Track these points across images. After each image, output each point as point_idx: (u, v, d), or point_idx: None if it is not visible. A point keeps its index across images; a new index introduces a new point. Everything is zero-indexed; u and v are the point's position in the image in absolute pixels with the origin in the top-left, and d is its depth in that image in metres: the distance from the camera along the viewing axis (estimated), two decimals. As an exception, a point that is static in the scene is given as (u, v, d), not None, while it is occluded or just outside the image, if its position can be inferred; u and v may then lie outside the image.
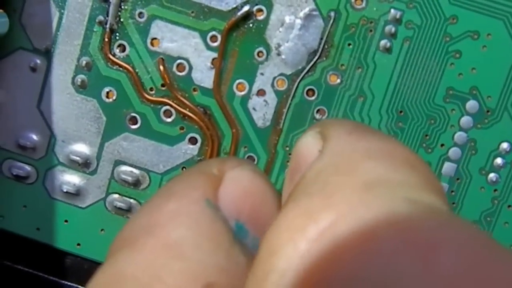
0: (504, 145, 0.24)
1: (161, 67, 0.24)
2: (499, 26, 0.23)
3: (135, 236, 0.18)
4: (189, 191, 0.19)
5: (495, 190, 0.24)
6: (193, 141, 0.25)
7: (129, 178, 0.25)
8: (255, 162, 0.25)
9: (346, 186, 0.14)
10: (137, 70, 0.25)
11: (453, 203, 0.24)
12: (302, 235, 0.14)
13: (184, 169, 0.25)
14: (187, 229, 0.18)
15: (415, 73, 0.24)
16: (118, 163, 0.25)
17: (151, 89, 0.25)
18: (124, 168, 0.25)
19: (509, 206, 0.24)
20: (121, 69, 0.25)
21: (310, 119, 0.24)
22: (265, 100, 0.25)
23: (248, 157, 0.25)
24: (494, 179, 0.24)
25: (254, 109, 0.25)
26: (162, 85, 0.25)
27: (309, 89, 0.24)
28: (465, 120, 0.24)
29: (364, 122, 0.24)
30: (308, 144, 0.17)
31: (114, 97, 0.25)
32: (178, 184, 0.20)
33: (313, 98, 0.24)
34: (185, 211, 0.18)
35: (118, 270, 0.17)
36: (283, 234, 0.14)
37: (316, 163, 0.16)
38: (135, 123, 0.25)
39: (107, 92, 0.25)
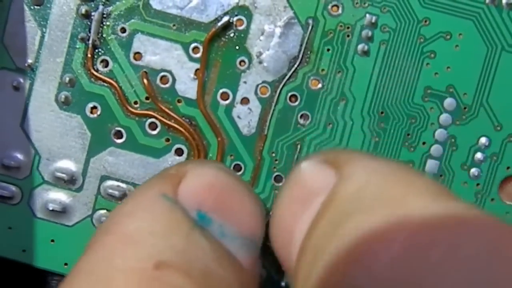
0: (483, 140, 0.24)
1: (145, 80, 0.25)
2: (469, 26, 0.24)
3: (95, 240, 0.19)
4: (145, 191, 0.20)
5: (478, 184, 0.25)
6: (179, 152, 0.25)
7: (116, 193, 0.25)
8: (242, 170, 0.25)
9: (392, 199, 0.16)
10: (120, 85, 0.25)
11: (439, 200, 0.25)
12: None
13: (171, 180, 0.25)
14: (142, 221, 0.19)
15: (394, 75, 0.24)
16: (104, 178, 0.25)
17: (135, 102, 0.25)
18: (111, 183, 0.25)
19: (492, 199, 0.25)
20: (104, 84, 0.25)
21: (294, 124, 0.25)
22: (249, 108, 0.25)
23: (235, 165, 0.25)
24: (476, 174, 0.25)
25: (238, 117, 0.25)
26: (147, 98, 0.25)
27: (292, 95, 0.25)
28: (444, 118, 0.25)
29: (347, 124, 0.25)
30: (316, 170, 0.19)
31: (98, 112, 0.25)
32: (137, 189, 0.21)
33: (296, 103, 0.25)
34: (141, 207, 0.19)
35: (75, 269, 0.18)
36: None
37: (346, 185, 0.18)
38: (120, 137, 0.25)
39: (91, 108, 0.25)
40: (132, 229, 0.19)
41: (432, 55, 0.24)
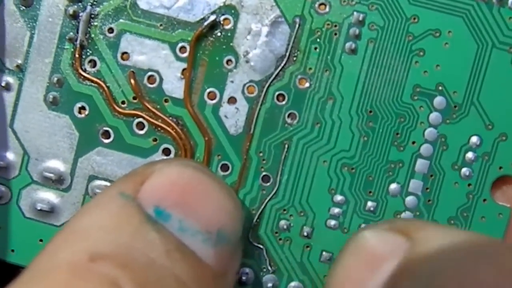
0: (474, 139, 0.24)
1: (132, 80, 0.25)
2: (459, 23, 0.24)
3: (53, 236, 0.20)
4: (107, 190, 0.21)
5: (469, 184, 0.24)
6: (166, 152, 0.25)
7: (104, 193, 0.25)
8: (229, 170, 0.25)
9: None
10: (108, 85, 0.25)
11: (429, 201, 0.24)
12: None
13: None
14: (94, 217, 0.20)
15: (382, 73, 0.24)
16: (92, 178, 0.25)
17: (123, 102, 0.25)
18: (99, 182, 0.25)
19: (484, 200, 0.24)
20: (92, 84, 0.25)
21: (281, 124, 0.25)
22: (236, 108, 0.25)
23: (222, 165, 0.25)
24: (467, 174, 0.24)
25: (226, 116, 0.25)
26: (134, 98, 0.25)
27: (279, 94, 0.25)
28: (434, 116, 0.24)
29: (335, 123, 0.24)
30: (384, 237, 0.21)
31: (86, 113, 0.25)
32: (105, 188, 0.21)
33: (283, 102, 0.25)
34: (97, 204, 0.20)
35: (27, 268, 0.19)
36: None
37: (421, 248, 0.19)
38: (108, 137, 0.25)
39: (79, 108, 0.25)
40: (82, 224, 0.20)
41: (421, 53, 0.24)
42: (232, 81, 0.25)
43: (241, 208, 0.22)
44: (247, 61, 0.25)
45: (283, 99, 0.25)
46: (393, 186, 0.24)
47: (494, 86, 0.24)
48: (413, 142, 0.24)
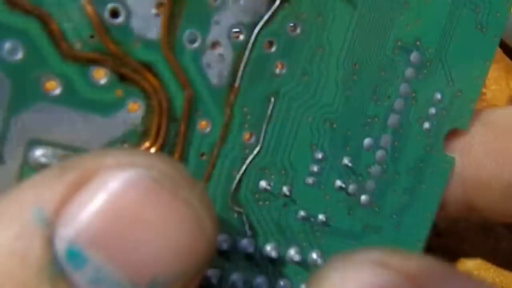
0: (438, 95, 0.25)
1: (89, 9, 0.18)
2: (439, -23, 0.24)
3: None
4: (23, 193, 0.15)
5: (428, 138, 0.25)
6: (134, 107, 0.20)
7: (51, 162, 0.19)
8: (209, 128, 0.21)
9: None
10: (53, 16, 0.18)
11: (395, 154, 0.25)
12: None
13: (124, 145, 0.20)
14: None
15: (370, 25, 0.23)
16: (33, 143, 0.19)
17: (75, 42, 0.19)
18: (42, 150, 0.19)
19: (437, 151, 0.26)
20: (29, 15, 0.18)
21: (269, 75, 0.22)
22: (220, 54, 0.21)
23: (202, 121, 0.21)
24: (428, 127, 0.25)
25: (208, 65, 0.21)
26: (91, 36, 0.19)
27: (268, 41, 0.21)
28: (409, 72, 0.24)
29: (322, 76, 0.23)
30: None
31: (20, 55, 0.18)
32: (26, 182, 0.15)
33: (272, 50, 0.21)
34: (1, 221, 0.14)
35: None
36: None
37: None
38: (55, 89, 0.19)
39: (10, 49, 0.18)
40: None
41: (406, 5, 0.23)
42: (217, 22, 0.20)
43: (214, 234, 0.16)
44: (236, 0, 0.20)
45: (272, 46, 0.21)
46: (367, 140, 0.24)
47: (460, 44, 0.25)
48: (389, 97, 0.24)
